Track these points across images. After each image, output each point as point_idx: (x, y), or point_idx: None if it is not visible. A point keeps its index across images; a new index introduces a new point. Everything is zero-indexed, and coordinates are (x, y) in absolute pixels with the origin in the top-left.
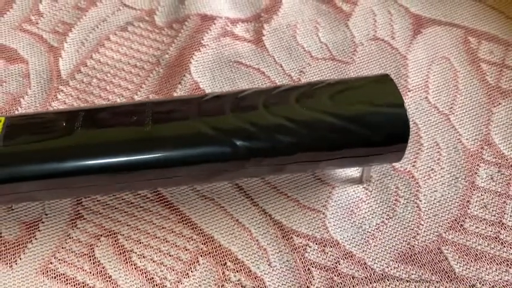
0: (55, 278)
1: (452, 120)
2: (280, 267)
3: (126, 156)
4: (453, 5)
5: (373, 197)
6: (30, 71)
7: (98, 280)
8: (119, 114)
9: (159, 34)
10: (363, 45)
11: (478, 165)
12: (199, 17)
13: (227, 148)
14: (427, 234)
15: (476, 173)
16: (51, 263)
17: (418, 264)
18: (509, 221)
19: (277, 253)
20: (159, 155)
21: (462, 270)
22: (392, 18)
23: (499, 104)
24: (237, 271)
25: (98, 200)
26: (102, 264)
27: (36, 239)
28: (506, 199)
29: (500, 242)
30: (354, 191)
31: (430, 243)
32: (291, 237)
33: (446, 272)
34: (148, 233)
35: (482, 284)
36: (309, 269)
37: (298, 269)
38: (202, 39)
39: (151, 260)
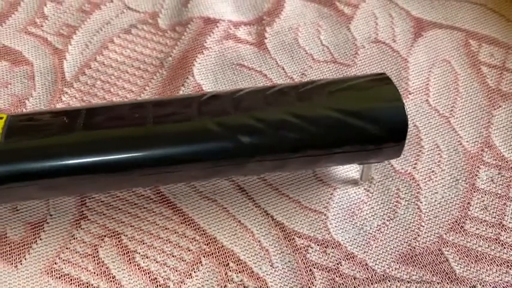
0: (59, 278)
1: (452, 123)
2: (282, 268)
3: (129, 153)
4: (454, 8)
5: (374, 199)
6: (35, 73)
7: (102, 280)
8: (122, 111)
9: (162, 37)
10: (364, 48)
11: (478, 167)
12: (202, 20)
13: (232, 143)
14: (427, 236)
15: (476, 175)
16: (55, 263)
17: (419, 265)
18: (509, 222)
19: (279, 254)
20: (164, 151)
21: (463, 271)
22: (394, 21)
23: (500, 106)
24: (240, 272)
25: (101, 201)
26: (106, 264)
27: (41, 239)
28: (506, 201)
29: (501, 243)
30: (355, 192)
31: (430, 244)
32: (293, 238)
33: (447, 273)
34: (152, 234)
35: (483, 285)
36: (310, 269)
37: (300, 270)
38: (205, 42)
39: (154, 260)
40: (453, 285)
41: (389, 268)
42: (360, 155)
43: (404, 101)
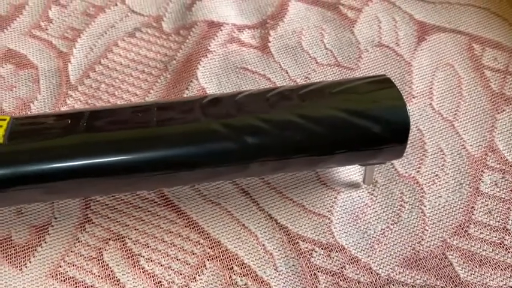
0: (64, 281)
1: (456, 127)
2: (287, 272)
3: (135, 154)
4: (457, 12)
5: (378, 203)
6: (40, 76)
7: (107, 283)
8: (125, 113)
9: (166, 40)
10: (368, 52)
11: (482, 171)
12: (206, 23)
13: (238, 144)
14: (431, 240)
15: (480, 179)
16: (60, 266)
17: (423, 270)
18: None
19: (283, 258)
20: (169, 152)
21: (467, 275)
22: (397, 25)
23: (503, 110)
24: (244, 275)
25: (106, 204)
26: (110, 267)
27: (45, 242)
28: (510, 205)
29: (505, 247)
30: (358, 196)
31: (434, 248)
32: (297, 242)
33: (451, 277)
34: (156, 237)
35: None
36: (315, 273)
37: (304, 274)
38: (209, 46)
39: (159, 263)
40: None
41: (393, 272)
42: (362, 155)
43: (408, 104)
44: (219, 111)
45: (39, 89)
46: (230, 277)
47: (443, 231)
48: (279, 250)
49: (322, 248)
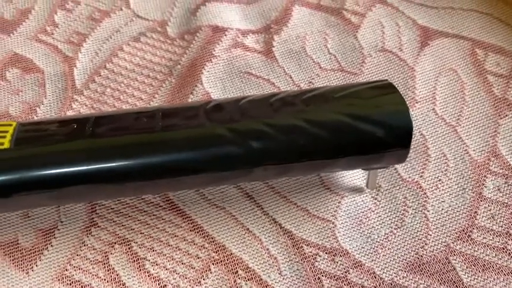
0: (70, 284)
1: (459, 132)
2: (291, 276)
3: (140, 159)
4: (460, 17)
5: (381, 207)
6: (46, 80)
7: (112, 287)
8: (130, 118)
9: (171, 45)
10: (371, 57)
11: (485, 176)
12: (210, 28)
13: (244, 149)
14: (435, 244)
15: (483, 184)
16: (66, 269)
17: (427, 274)
18: None
19: (288, 262)
20: (175, 156)
21: (470, 280)
22: (400, 30)
23: (506, 115)
24: (248, 279)
25: (112, 208)
26: (116, 271)
27: (52, 246)
28: None
29: (508, 252)
30: (362, 200)
31: (438, 253)
32: (301, 247)
33: (454, 282)
34: (161, 241)
35: None
36: (319, 277)
37: (308, 278)
38: (214, 50)
39: (164, 267)
40: None
41: (397, 276)
42: (366, 159)
43: (411, 109)
44: (223, 117)
45: (45, 93)
46: (235, 281)
47: (447, 235)
48: (283, 254)
49: (326, 253)
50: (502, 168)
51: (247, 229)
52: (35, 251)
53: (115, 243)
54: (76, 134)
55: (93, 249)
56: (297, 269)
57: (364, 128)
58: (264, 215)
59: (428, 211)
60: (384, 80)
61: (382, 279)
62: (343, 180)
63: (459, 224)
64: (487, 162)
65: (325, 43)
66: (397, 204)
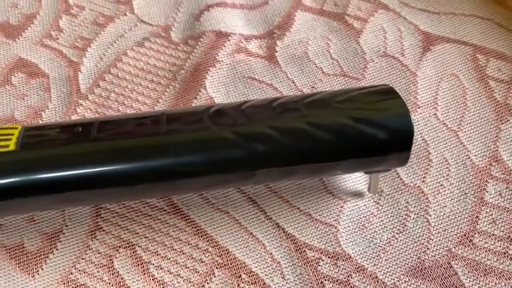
0: None
1: (460, 137)
2: (294, 280)
3: (145, 162)
4: (462, 22)
5: (384, 212)
6: (51, 85)
7: None
8: (135, 121)
9: (175, 50)
10: (374, 62)
11: (486, 181)
12: (214, 33)
13: (248, 152)
14: (437, 249)
15: (485, 189)
16: (71, 273)
17: (429, 279)
18: None
19: (291, 266)
20: (180, 159)
21: (472, 285)
22: (402, 35)
23: (507, 121)
24: (252, 283)
25: (116, 212)
26: (121, 275)
27: (57, 249)
28: None
29: (509, 257)
30: (364, 205)
31: (440, 257)
32: (304, 251)
33: (456, 286)
34: (165, 245)
35: None
36: (321, 282)
37: (311, 282)
38: (217, 55)
39: (168, 271)
40: None
41: (399, 281)
42: (368, 161)
43: (413, 114)
44: (226, 121)
45: (50, 97)
46: (238, 285)
47: (448, 240)
48: (286, 258)
49: (328, 257)
50: (504, 173)
51: (251, 233)
52: (41, 255)
53: (119, 247)
54: (82, 137)
55: (98, 252)
56: (300, 273)
57: (366, 130)
58: (267, 219)
59: (430, 216)
60: (384, 84)
61: (385, 284)
62: (345, 184)
63: (461, 228)
64: (488, 167)
65: (327, 48)
66: (399, 209)
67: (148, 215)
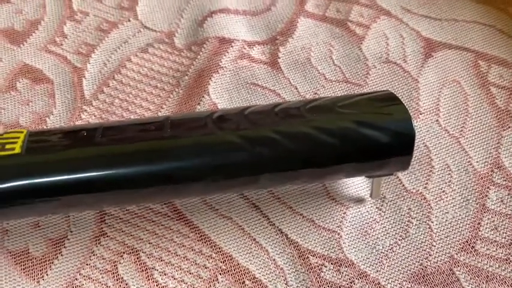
0: None
1: (462, 143)
2: (297, 286)
3: (150, 166)
4: (464, 29)
5: (386, 218)
6: (55, 91)
7: None
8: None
9: (178, 56)
10: (376, 68)
11: (488, 187)
12: (217, 39)
13: (253, 156)
14: (439, 255)
15: (486, 195)
16: (76, 279)
17: (431, 285)
18: None
19: (294, 272)
20: (185, 163)
21: None
22: (404, 41)
23: (509, 127)
24: None
25: (120, 218)
26: (125, 280)
27: (62, 255)
28: None
29: (511, 263)
30: (367, 211)
31: (442, 264)
32: (307, 257)
33: None
34: (169, 251)
35: None
36: None
37: None
38: (220, 62)
39: (172, 277)
40: None
41: (401, 287)
42: (370, 165)
43: (415, 121)
44: (230, 125)
45: (54, 103)
46: None
47: (451, 247)
48: (289, 265)
49: (331, 263)
50: (505, 180)
51: (254, 239)
52: (46, 260)
53: (124, 252)
54: (87, 141)
55: (103, 258)
56: (303, 280)
57: (369, 134)
58: (270, 225)
59: (432, 222)
60: (386, 90)
61: None
62: (348, 190)
63: (463, 235)
64: (490, 174)
65: (330, 54)
66: (401, 215)
67: (152, 221)
